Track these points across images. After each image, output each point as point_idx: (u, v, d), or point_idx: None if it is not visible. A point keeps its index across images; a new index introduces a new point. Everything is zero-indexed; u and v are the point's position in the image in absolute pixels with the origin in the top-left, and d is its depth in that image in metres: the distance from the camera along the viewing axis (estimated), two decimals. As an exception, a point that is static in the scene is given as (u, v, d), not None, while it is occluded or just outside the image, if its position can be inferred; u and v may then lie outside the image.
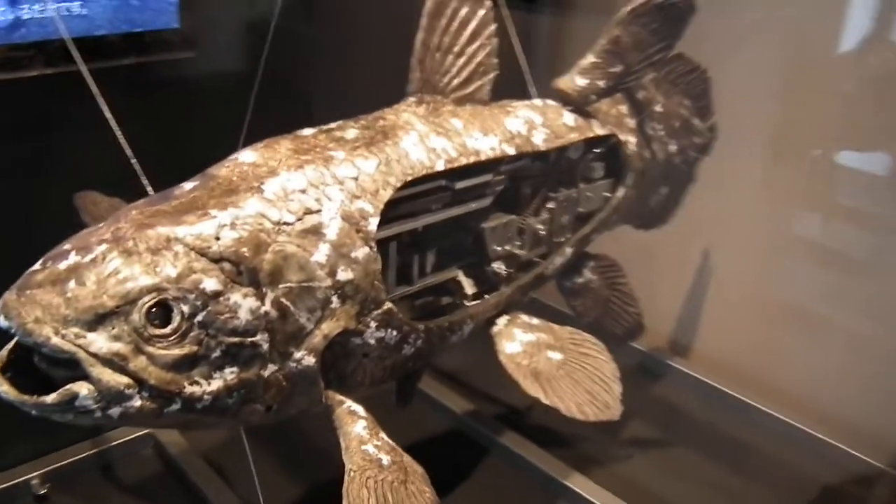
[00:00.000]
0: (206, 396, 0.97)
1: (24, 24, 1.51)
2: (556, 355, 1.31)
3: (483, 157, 1.28)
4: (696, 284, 2.12)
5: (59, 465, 1.68)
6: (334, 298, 1.06)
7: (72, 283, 0.90)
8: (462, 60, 1.32)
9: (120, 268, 0.92)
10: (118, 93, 1.32)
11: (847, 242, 1.88)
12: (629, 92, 1.62)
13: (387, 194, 1.14)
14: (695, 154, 1.77)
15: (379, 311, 1.12)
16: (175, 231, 0.96)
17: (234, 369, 0.98)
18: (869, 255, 1.84)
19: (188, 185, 1.07)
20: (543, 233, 1.44)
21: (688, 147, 1.75)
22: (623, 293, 1.73)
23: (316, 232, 1.06)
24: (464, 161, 1.25)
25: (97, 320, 0.90)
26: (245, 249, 0.99)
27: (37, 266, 0.93)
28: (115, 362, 0.90)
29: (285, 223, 1.04)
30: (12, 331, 0.89)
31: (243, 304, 0.97)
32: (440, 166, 1.22)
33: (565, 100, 1.49)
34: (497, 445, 1.80)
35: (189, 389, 0.95)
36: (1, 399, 0.91)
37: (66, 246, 0.95)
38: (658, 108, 1.67)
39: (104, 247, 0.93)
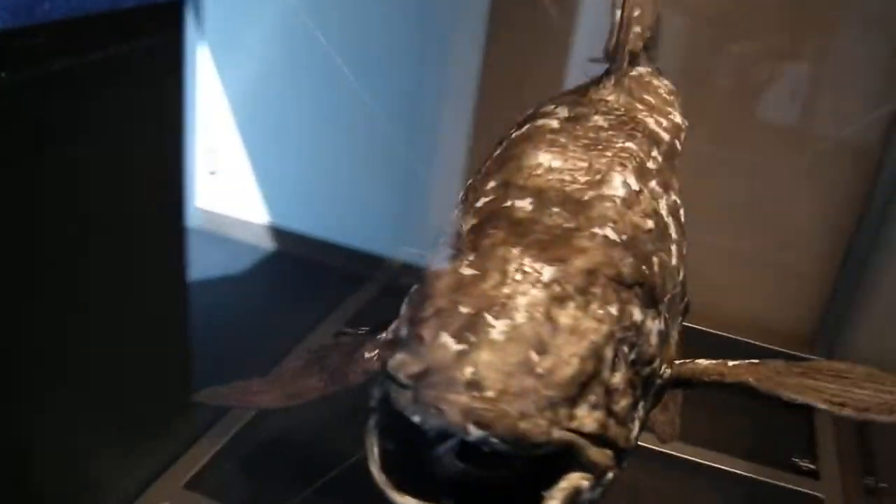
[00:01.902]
0: (635, 439, 0.83)
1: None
2: None
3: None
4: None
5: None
6: (679, 300, 0.97)
7: (531, 355, 0.71)
8: None
9: (570, 321, 0.75)
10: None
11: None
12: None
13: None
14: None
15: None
16: (588, 262, 0.80)
17: (645, 401, 0.86)
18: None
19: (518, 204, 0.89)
20: None
21: None
22: None
23: (665, 234, 0.95)
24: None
25: (578, 393, 0.73)
26: (644, 267, 0.85)
27: (445, 344, 0.72)
28: (600, 436, 0.75)
29: (648, 230, 0.91)
30: (492, 439, 0.68)
31: (653, 328, 0.84)
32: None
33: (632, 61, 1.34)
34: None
35: (632, 437, 0.81)
36: None
37: (463, 309, 0.74)
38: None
39: (531, 297, 0.75)
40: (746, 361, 0.97)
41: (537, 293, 0.75)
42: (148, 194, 1.25)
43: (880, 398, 0.94)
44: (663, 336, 0.88)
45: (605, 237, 0.84)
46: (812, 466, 1.65)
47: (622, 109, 1.12)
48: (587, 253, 0.81)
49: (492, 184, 0.94)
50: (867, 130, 1.82)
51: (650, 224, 0.91)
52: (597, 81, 1.19)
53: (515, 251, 0.80)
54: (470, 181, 1.02)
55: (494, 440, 0.68)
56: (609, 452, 0.76)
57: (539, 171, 0.94)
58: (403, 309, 0.84)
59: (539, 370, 0.71)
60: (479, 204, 0.91)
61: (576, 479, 0.73)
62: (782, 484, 1.61)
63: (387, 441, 0.77)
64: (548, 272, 0.77)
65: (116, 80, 1.13)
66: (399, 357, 0.74)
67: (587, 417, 0.73)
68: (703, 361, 0.96)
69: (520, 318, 0.73)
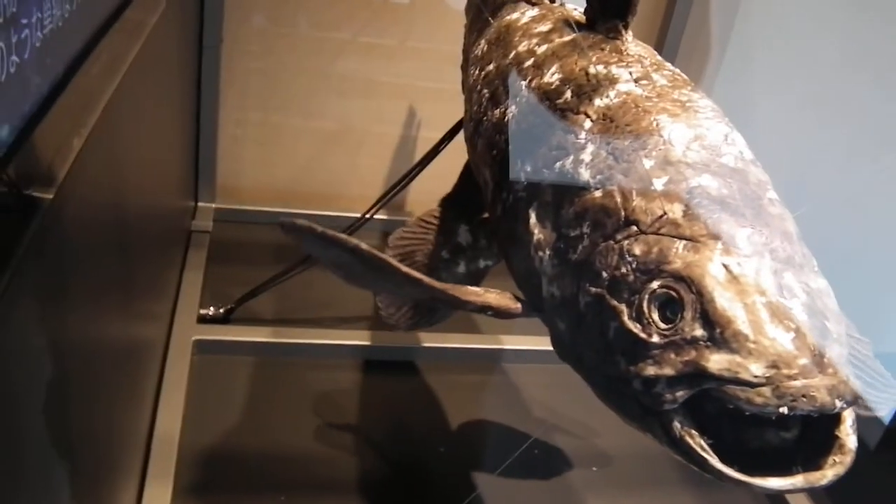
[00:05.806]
0: None
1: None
2: None
3: None
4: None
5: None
6: None
7: (826, 325, 0.79)
8: None
9: (817, 284, 0.83)
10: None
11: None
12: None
13: None
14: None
15: None
16: (791, 226, 0.89)
17: None
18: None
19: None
20: None
21: None
22: None
23: None
24: None
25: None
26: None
27: (776, 336, 0.76)
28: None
29: (768, 179, 0.99)
30: (843, 405, 0.76)
31: None
32: None
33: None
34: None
35: None
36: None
37: (760, 299, 0.78)
38: None
39: (791, 272, 0.81)
40: None
41: (790, 267, 0.82)
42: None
43: None
44: None
45: (777, 199, 0.90)
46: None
47: (655, 62, 1.09)
48: (785, 219, 0.88)
49: (649, 163, 0.91)
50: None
51: (764, 172, 0.95)
52: (612, 33, 1.12)
53: (752, 232, 0.84)
54: (587, 169, 0.96)
55: (845, 405, 0.76)
56: None
57: (685, 143, 0.93)
58: (647, 306, 0.83)
59: (834, 335, 0.78)
60: (660, 186, 0.89)
61: (851, 413, 0.81)
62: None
63: (703, 438, 0.79)
64: (784, 246, 0.83)
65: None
66: (728, 358, 0.76)
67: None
68: None
69: (799, 293, 0.79)
